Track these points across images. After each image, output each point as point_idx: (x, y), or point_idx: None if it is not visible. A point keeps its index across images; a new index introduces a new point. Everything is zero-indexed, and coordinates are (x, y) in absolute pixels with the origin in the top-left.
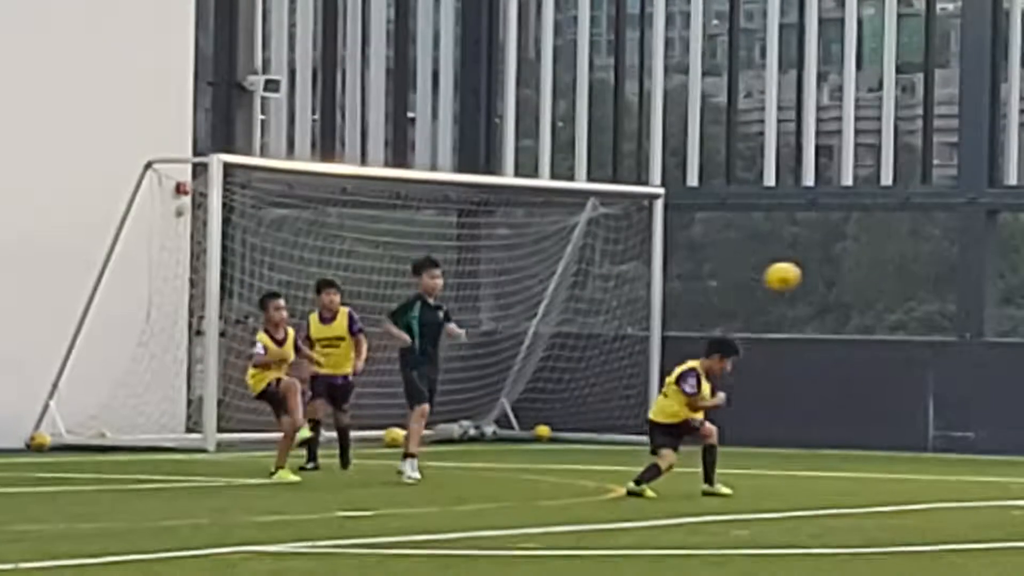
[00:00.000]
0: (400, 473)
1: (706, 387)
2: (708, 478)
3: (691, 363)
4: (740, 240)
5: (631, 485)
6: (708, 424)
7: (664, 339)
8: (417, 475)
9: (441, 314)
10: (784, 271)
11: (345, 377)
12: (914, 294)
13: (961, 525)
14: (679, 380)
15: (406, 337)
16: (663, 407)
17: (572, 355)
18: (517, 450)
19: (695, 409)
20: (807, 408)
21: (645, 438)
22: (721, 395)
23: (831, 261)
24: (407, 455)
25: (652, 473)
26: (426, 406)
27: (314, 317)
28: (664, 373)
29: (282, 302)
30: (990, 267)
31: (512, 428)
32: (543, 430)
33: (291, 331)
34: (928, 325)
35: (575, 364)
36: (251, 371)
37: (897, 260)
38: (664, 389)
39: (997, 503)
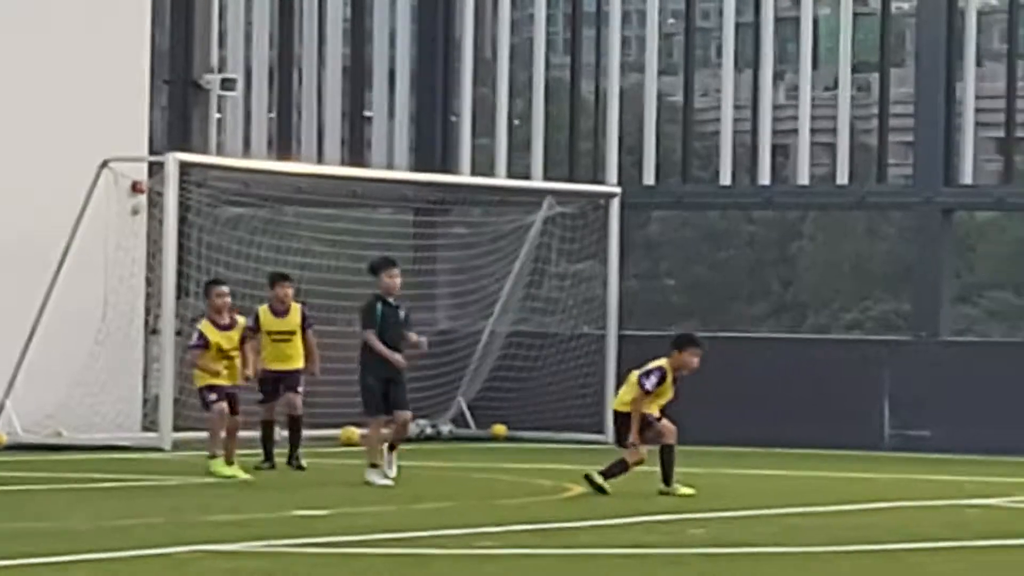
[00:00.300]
0: (369, 484)
1: (666, 387)
2: (666, 478)
3: (660, 361)
4: (696, 239)
5: (592, 474)
6: (667, 423)
7: (621, 338)
8: (385, 481)
9: (402, 313)
10: None
11: (296, 371)
12: (870, 293)
13: (919, 524)
14: (642, 374)
15: (400, 360)
16: (622, 396)
17: (528, 354)
18: (473, 449)
19: (635, 409)
20: (763, 407)
21: (601, 436)
22: (643, 450)
23: (787, 260)
24: (372, 465)
25: (619, 468)
26: (383, 418)
27: (264, 309)
28: (620, 371)
29: (225, 288)
30: (946, 266)
31: (468, 427)
32: (499, 429)
33: (241, 320)
34: (884, 324)
35: (531, 363)
36: (196, 372)
37: (853, 259)
38: (627, 378)
39: (953, 502)
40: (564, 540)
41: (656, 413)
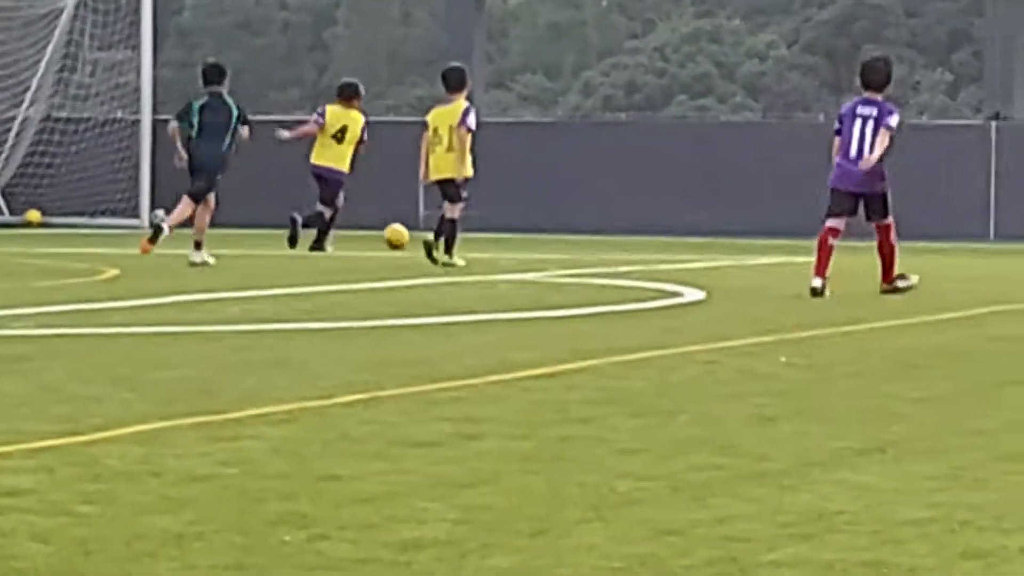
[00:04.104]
0: None
1: None
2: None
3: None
4: (230, 26)
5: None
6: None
7: (155, 123)
8: None
9: None
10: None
11: None
12: (405, 78)
13: (455, 298)
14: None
15: None
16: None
17: (63, 140)
18: (7, 235)
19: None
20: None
21: (136, 221)
22: None
23: (323, 46)
24: None
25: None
26: None
27: None
28: (156, 158)
29: None
30: (478, 50)
31: (2, 213)
32: (34, 215)
33: None
34: (420, 108)
35: (66, 148)
36: None
37: (388, 45)
38: (441, 142)
39: (488, 277)
40: (99, 320)
41: None
